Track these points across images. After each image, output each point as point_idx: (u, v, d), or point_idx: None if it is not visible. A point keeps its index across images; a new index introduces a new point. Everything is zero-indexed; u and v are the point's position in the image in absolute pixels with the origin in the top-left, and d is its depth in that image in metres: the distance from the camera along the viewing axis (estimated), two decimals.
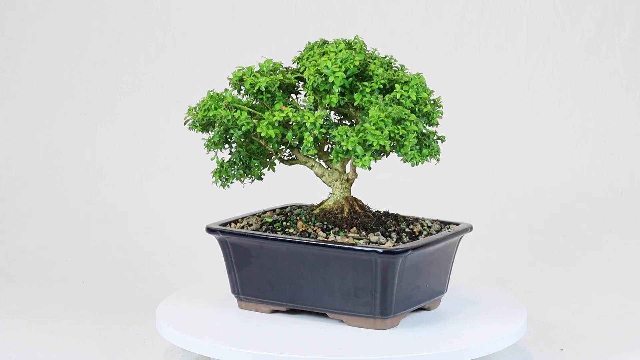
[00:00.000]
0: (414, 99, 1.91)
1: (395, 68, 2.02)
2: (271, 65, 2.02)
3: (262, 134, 1.94)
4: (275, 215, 2.10)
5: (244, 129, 1.95)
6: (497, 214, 3.03)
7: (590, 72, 3.23)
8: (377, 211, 2.08)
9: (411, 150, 1.90)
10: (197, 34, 3.26)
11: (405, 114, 1.89)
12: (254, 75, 1.99)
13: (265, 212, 2.13)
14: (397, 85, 1.92)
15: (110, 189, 3.11)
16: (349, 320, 1.96)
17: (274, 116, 1.93)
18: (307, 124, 1.92)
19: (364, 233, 1.97)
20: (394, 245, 1.91)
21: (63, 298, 2.44)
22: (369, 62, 1.98)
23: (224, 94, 1.98)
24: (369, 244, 1.92)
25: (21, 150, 3.18)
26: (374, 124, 1.87)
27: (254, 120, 1.96)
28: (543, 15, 3.25)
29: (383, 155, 1.94)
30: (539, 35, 3.25)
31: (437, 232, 2.02)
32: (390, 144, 1.89)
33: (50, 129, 3.20)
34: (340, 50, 1.95)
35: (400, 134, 1.88)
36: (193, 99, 3.25)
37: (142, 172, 3.15)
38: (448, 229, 2.04)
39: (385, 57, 2.02)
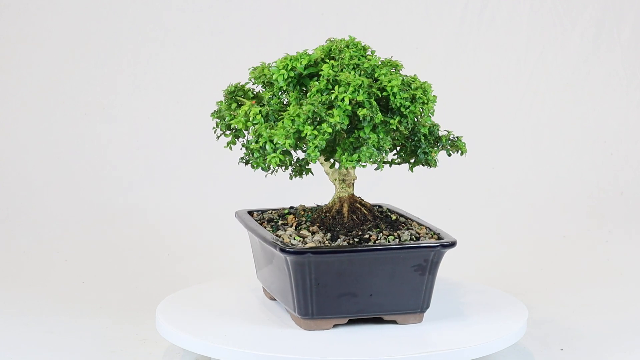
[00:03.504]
0: (347, 101, 1.89)
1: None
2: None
3: (232, 125, 2.00)
4: (292, 209, 2.16)
5: (227, 119, 2.02)
6: (497, 214, 3.03)
7: (590, 72, 3.23)
8: (384, 213, 2.09)
9: (317, 151, 1.88)
10: (197, 34, 3.26)
11: (328, 114, 1.89)
12: (265, 71, 2.05)
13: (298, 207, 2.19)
14: (336, 87, 1.91)
15: (110, 189, 3.11)
16: (292, 316, 1.98)
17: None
18: (250, 118, 1.95)
19: (322, 232, 1.99)
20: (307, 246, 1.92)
21: (63, 298, 2.44)
22: (327, 62, 1.98)
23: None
24: (304, 242, 1.95)
25: (21, 150, 3.18)
26: (282, 122, 1.90)
27: (232, 113, 2.01)
28: (543, 15, 3.25)
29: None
30: (539, 35, 3.25)
31: (407, 242, 1.97)
32: (295, 143, 1.90)
33: (50, 129, 3.20)
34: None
35: (312, 134, 1.88)
36: (193, 99, 3.26)
37: (142, 172, 3.15)
38: (414, 241, 1.98)
39: (361, 59, 2.00)
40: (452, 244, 1.95)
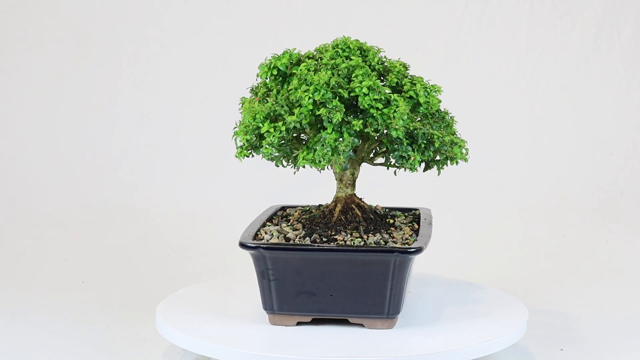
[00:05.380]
0: (307, 100, 1.90)
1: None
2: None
3: (243, 120, 2.03)
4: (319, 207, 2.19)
5: (242, 113, 2.05)
6: (497, 214, 3.03)
7: (590, 72, 3.23)
8: (386, 215, 2.09)
9: (270, 148, 1.92)
10: (197, 34, 3.26)
11: (285, 112, 1.92)
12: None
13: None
14: (302, 86, 1.92)
15: (110, 189, 3.11)
16: None
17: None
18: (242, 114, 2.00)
19: (302, 230, 2.01)
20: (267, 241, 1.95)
21: (63, 298, 2.44)
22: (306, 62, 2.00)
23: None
24: (270, 238, 1.98)
25: (21, 150, 3.18)
26: (245, 118, 1.95)
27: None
28: (543, 15, 3.25)
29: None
30: (539, 35, 3.25)
31: (364, 245, 1.95)
32: (253, 139, 1.94)
33: (50, 129, 3.20)
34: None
35: (269, 131, 1.91)
36: (193, 99, 3.26)
37: (142, 172, 3.15)
38: (376, 244, 1.96)
39: (352, 59, 1.99)
40: (413, 251, 1.89)
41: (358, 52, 2.01)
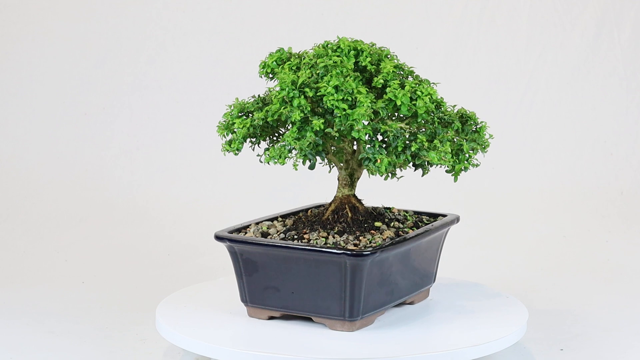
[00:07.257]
0: (279, 98, 1.92)
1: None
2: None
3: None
4: None
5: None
6: (497, 214, 3.03)
7: (590, 72, 3.23)
8: (380, 216, 2.09)
9: (237, 144, 1.96)
10: (197, 34, 3.26)
11: (257, 109, 1.97)
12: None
13: None
14: (279, 84, 1.94)
15: (110, 188, 3.11)
16: None
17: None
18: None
19: (287, 226, 2.05)
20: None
21: (63, 298, 2.44)
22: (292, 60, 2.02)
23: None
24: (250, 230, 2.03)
25: (21, 150, 3.18)
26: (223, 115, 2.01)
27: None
28: (543, 15, 3.25)
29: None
30: (539, 35, 3.25)
31: (321, 245, 1.94)
32: (227, 134, 2.00)
33: (50, 129, 3.20)
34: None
35: (239, 126, 1.96)
36: (192, 99, 3.26)
37: (142, 172, 3.15)
38: (346, 245, 1.95)
39: (333, 58, 1.99)
40: (366, 255, 1.86)
41: (353, 52, 1.99)
